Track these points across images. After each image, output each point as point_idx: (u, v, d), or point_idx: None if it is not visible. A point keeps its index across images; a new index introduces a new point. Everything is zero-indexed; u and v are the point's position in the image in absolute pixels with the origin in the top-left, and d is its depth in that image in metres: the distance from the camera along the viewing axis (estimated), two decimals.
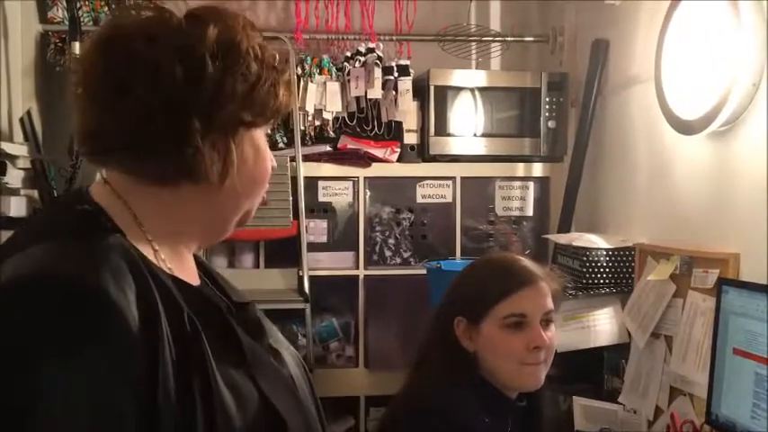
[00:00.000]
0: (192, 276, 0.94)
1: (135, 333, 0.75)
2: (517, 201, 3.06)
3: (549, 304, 1.51)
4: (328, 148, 2.95)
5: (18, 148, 2.57)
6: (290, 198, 2.80)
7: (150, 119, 0.83)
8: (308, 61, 2.92)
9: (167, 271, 0.87)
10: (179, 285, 0.86)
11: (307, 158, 2.89)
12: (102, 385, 0.72)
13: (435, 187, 3.01)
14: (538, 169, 3.06)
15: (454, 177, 3.00)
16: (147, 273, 0.81)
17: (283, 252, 2.91)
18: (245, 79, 0.87)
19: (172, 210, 0.89)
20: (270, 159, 0.95)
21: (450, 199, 3.02)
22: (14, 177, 2.51)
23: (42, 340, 0.71)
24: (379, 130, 2.98)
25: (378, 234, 2.99)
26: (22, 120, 2.70)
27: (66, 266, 0.76)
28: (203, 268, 1.01)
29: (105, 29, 0.88)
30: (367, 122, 2.97)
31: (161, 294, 0.80)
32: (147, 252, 0.86)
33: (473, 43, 3.15)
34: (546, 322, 1.50)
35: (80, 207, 0.86)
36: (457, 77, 2.95)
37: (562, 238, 2.60)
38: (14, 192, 2.54)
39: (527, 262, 1.56)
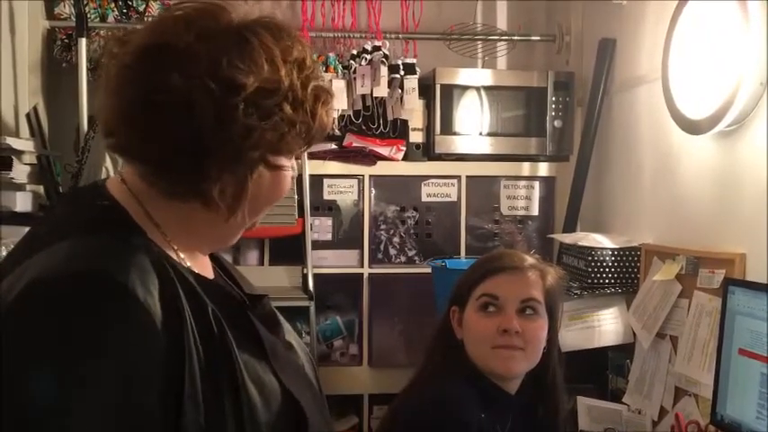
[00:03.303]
0: (207, 271, 0.95)
1: (161, 332, 0.75)
2: (522, 200, 3.05)
3: (532, 294, 1.47)
4: (333, 146, 2.94)
5: (24, 144, 2.57)
6: (295, 196, 2.80)
7: (167, 147, 0.82)
8: (314, 59, 2.91)
9: (188, 267, 0.88)
10: (200, 281, 0.86)
11: (312, 156, 2.89)
12: (129, 384, 0.73)
13: (440, 186, 3.00)
14: (543, 169, 3.05)
15: (459, 176, 2.99)
16: (170, 270, 0.81)
17: (288, 249, 2.90)
18: (276, 128, 0.84)
19: (181, 219, 0.89)
20: (290, 171, 0.92)
21: (455, 198, 3.01)
22: (20, 172, 2.52)
23: (72, 338, 0.72)
24: (385, 129, 2.97)
25: (382, 232, 2.98)
26: (28, 115, 2.71)
27: (95, 265, 0.76)
28: (217, 261, 1.01)
29: (151, 36, 0.84)
30: (372, 120, 2.96)
31: (185, 291, 0.81)
32: (167, 249, 0.86)
33: (479, 42, 3.14)
34: (524, 311, 1.46)
35: (100, 203, 0.86)
36: (463, 76, 2.94)
37: (567, 238, 2.59)
38: (20, 187, 2.55)
39: (522, 254, 1.56)
